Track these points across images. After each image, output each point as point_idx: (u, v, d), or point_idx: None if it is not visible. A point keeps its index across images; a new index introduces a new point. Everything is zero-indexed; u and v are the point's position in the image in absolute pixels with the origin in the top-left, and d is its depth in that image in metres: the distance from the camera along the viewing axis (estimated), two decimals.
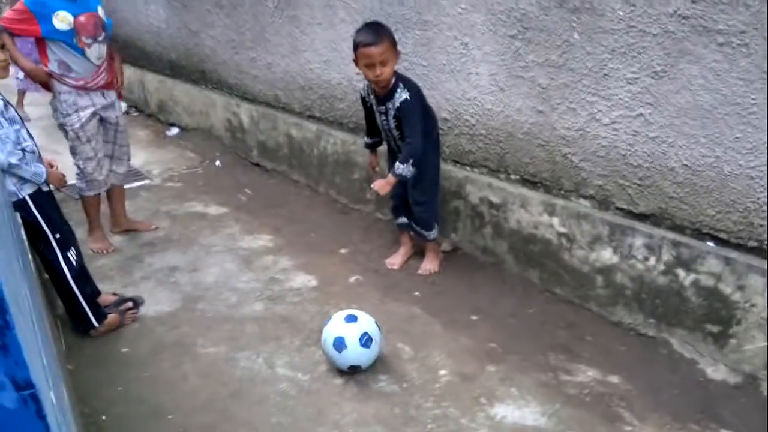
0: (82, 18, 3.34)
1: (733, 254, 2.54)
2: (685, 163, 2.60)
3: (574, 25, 2.77)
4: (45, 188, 2.79)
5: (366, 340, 2.61)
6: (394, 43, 2.98)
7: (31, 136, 2.79)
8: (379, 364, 2.73)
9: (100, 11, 3.48)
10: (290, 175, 4.82)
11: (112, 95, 3.67)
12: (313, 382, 2.67)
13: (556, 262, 3.15)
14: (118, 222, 4.02)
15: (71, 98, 3.48)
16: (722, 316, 2.59)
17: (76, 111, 3.50)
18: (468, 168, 3.53)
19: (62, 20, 3.29)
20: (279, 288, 3.40)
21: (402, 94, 3.04)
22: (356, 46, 2.97)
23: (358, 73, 3.35)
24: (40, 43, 3.39)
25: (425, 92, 3.19)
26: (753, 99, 2.34)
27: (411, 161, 3.06)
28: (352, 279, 3.46)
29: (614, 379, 2.65)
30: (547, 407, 2.49)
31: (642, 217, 2.83)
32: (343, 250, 3.78)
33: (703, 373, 2.65)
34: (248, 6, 4.66)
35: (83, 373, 2.73)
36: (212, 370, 2.76)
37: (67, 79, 3.45)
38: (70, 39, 3.35)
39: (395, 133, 3.18)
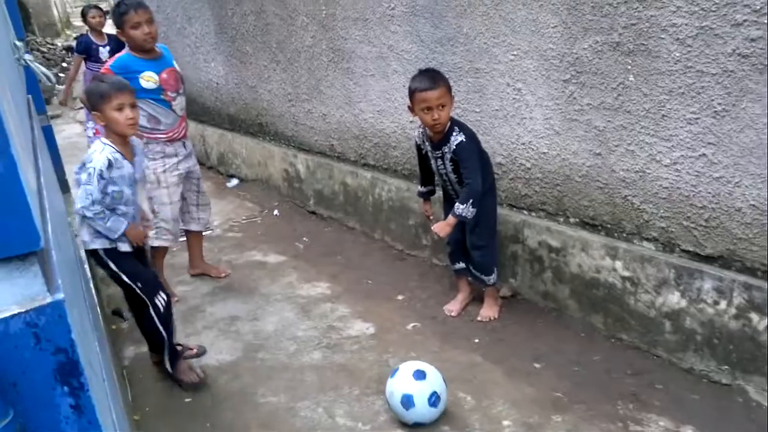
0: (164, 74, 3.60)
1: None
2: (752, 203, 2.52)
3: (629, 67, 2.75)
4: (124, 247, 2.87)
5: (434, 400, 2.56)
6: (449, 88, 3.05)
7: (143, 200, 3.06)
8: (441, 414, 2.69)
9: (176, 65, 3.74)
10: (346, 223, 4.87)
11: (189, 145, 3.91)
12: (373, 431, 2.64)
13: (621, 307, 3.06)
14: (195, 264, 4.21)
15: (159, 147, 3.69)
16: None
17: (162, 158, 3.71)
18: (525, 212, 3.50)
19: (148, 80, 3.53)
20: (337, 336, 3.40)
21: (458, 137, 3.08)
22: (413, 92, 3.04)
23: (411, 121, 3.40)
24: None
25: (479, 137, 3.20)
26: None
27: (471, 201, 3.06)
28: (410, 326, 3.44)
29: (688, 429, 2.53)
30: None
31: (710, 259, 2.74)
32: (400, 297, 3.77)
33: None
34: (303, 60, 4.81)
35: (149, 423, 2.78)
36: (273, 420, 2.77)
37: (157, 134, 3.66)
38: (158, 95, 3.58)
39: (452, 176, 3.20)
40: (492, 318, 3.41)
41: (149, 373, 3.16)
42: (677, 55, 2.57)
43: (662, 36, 2.60)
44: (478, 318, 3.42)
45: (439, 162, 3.21)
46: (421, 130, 3.24)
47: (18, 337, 0.78)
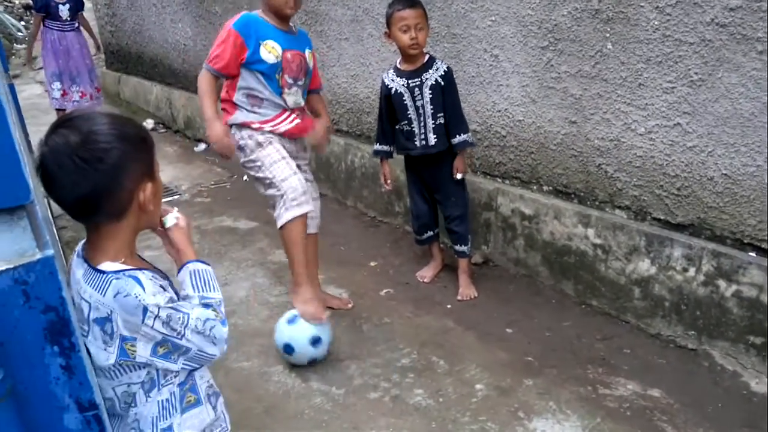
0: (289, 54, 2.86)
1: None
2: (724, 172, 2.56)
3: (608, 35, 2.75)
4: None
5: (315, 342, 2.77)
6: (426, 15, 3.04)
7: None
8: (414, 378, 2.71)
9: (308, 54, 2.98)
10: (318, 189, 4.82)
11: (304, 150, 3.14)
12: (347, 396, 2.65)
13: (592, 274, 3.11)
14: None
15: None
16: (765, 328, 2.53)
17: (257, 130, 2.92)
18: (499, 180, 3.51)
19: (270, 51, 2.81)
20: None
21: (443, 65, 3.09)
22: (390, 14, 3.01)
23: (390, 43, 3.11)
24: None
25: None
26: None
27: (466, 127, 3.14)
28: (383, 292, 3.45)
29: (655, 392, 2.60)
30: (587, 421, 2.45)
31: (680, 227, 2.79)
32: (373, 263, 3.77)
33: (746, 386, 2.59)
34: None
35: None
36: (246, 384, 2.76)
37: (252, 117, 2.92)
38: (273, 74, 2.85)
39: (428, 108, 3.09)
40: (473, 297, 3.33)
41: None
42: (656, 23, 2.58)
43: (641, 4, 2.60)
44: (458, 298, 3.32)
45: (416, 93, 3.08)
46: (390, 70, 3.18)
47: (6, 294, 0.74)
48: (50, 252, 0.75)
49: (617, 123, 2.86)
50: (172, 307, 1.27)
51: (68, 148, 1.12)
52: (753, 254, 2.57)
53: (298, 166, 2.95)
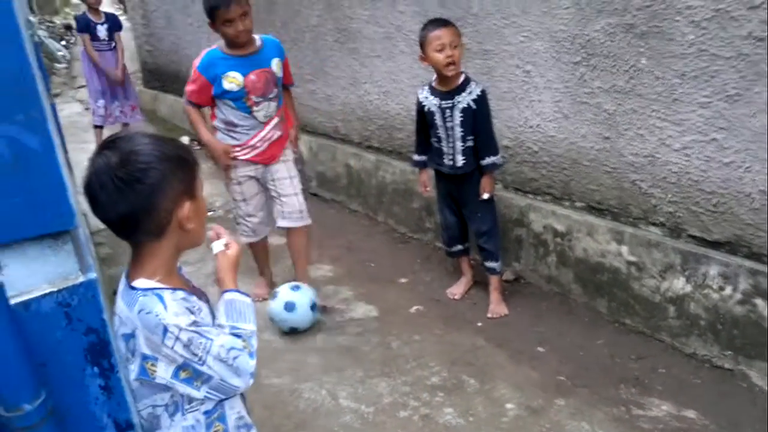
0: (252, 76, 3.14)
1: None
2: (762, 188, 2.51)
3: (642, 50, 2.73)
4: None
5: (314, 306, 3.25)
6: (460, 34, 3.05)
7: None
8: (444, 397, 2.70)
9: (275, 65, 3.23)
10: (349, 205, 4.86)
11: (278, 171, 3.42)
12: (377, 414, 2.65)
13: (625, 292, 3.06)
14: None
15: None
16: None
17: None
18: (530, 196, 3.49)
19: (231, 81, 3.11)
20: (340, 318, 3.40)
21: (478, 88, 3.07)
22: (424, 36, 3.02)
23: (425, 66, 3.16)
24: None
25: None
26: None
27: (496, 149, 3.14)
28: (413, 309, 3.44)
29: (690, 413, 2.54)
30: None
31: (716, 245, 2.73)
32: (403, 280, 3.77)
33: None
34: (308, 40, 4.77)
35: None
36: (277, 401, 2.77)
37: (230, 139, 3.30)
38: (240, 97, 3.16)
39: (458, 130, 3.09)
40: (504, 314, 3.31)
41: None
42: (691, 38, 2.55)
43: (677, 18, 2.57)
44: (488, 315, 3.30)
45: (447, 114, 3.10)
46: (426, 87, 3.20)
47: (50, 316, 0.76)
48: (93, 275, 0.77)
49: (652, 138, 2.82)
50: (194, 331, 1.24)
51: (109, 169, 1.16)
52: None
53: (274, 189, 3.42)
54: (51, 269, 0.77)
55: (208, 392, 1.31)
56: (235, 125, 3.24)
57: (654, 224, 2.95)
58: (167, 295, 1.24)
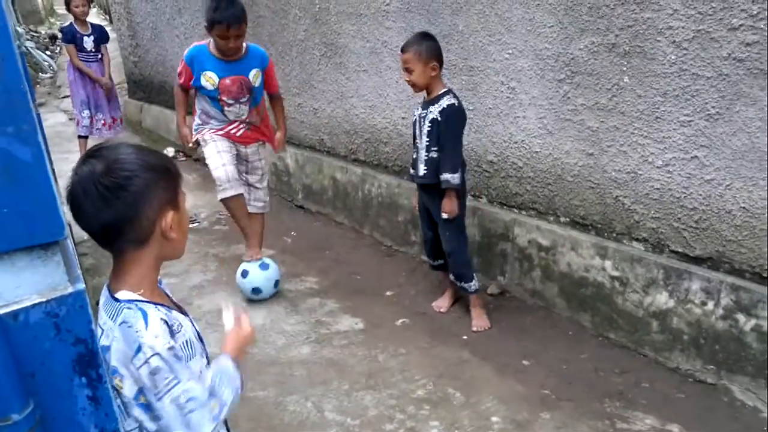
0: (227, 80, 3.49)
1: None
2: (743, 205, 2.56)
3: (625, 68, 2.78)
4: None
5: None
6: (421, 55, 3.06)
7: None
8: (430, 410, 2.70)
9: (252, 75, 3.56)
10: (335, 218, 4.87)
11: (254, 153, 3.81)
12: (362, 427, 2.64)
13: (609, 306, 3.09)
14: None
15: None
16: None
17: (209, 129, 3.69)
18: (515, 210, 3.52)
19: (208, 80, 3.49)
20: (326, 331, 3.40)
21: (451, 100, 3.09)
22: None
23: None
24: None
25: (470, 136, 3.22)
26: None
27: (452, 167, 3.06)
28: (399, 322, 3.45)
29: (674, 427, 2.56)
30: None
31: (699, 260, 2.77)
32: (388, 293, 3.78)
33: (766, 422, 2.55)
34: (295, 54, 4.79)
35: None
36: (262, 414, 2.76)
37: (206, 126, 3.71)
38: (214, 96, 3.53)
39: (425, 139, 3.15)
40: (486, 328, 3.32)
41: None
42: (673, 57, 2.60)
43: (658, 38, 2.63)
44: (473, 329, 3.33)
45: (422, 122, 3.17)
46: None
47: (38, 326, 0.77)
48: (81, 286, 0.78)
49: (634, 155, 2.87)
50: (166, 362, 1.18)
51: (93, 177, 1.15)
52: None
53: (246, 171, 3.81)
54: (40, 280, 0.77)
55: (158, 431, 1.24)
56: (210, 116, 3.64)
57: (637, 240, 2.98)
58: (151, 312, 1.21)
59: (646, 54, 2.68)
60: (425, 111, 3.15)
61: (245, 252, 3.84)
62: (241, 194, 3.66)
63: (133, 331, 1.17)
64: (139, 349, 1.16)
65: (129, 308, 1.20)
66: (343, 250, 4.41)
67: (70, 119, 8.20)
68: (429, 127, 3.12)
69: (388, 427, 2.63)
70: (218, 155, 3.59)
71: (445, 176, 3.08)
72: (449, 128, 3.09)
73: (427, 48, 3.07)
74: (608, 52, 2.82)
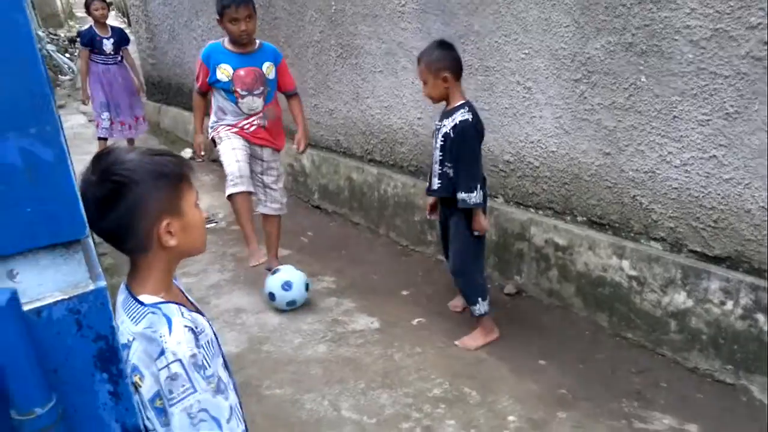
0: (242, 71, 3.59)
1: None
2: (762, 204, 2.53)
3: (642, 68, 2.76)
4: None
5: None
6: (431, 66, 2.96)
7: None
8: (446, 409, 2.70)
9: (266, 68, 3.64)
10: (351, 218, 4.88)
11: (270, 156, 3.83)
12: (379, 425, 2.65)
13: (627, 306, 3.08)
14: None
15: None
16: None
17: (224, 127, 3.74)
18: (532, 210, 3.51)
19: (223, 72, 3.59)
20: (342, 330, 3.41)
21: (465, 115, 2.95)
22: None
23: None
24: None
25: (487, 136, 3.17)
26: None
27: (472, 185, 2.92)
28: (415, 321, 3.46)
29: (692, 428, 2.55)
30: None
31: (717, 260, 2.75)
32: (404, 292, 3.78)
33: None
34: (311, 55, 4.82)
35: None
36: (278, 412, 2.78)
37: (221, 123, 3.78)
38: (228, 88, 3.61)
39: (437, 153, 3.05)
40: (470, 348, 3.17)
41: None
42: (690, 56, 2.58)
43: (676, 38, 2.61)
44: (455, 342, 3.21)
45: (436, 134, 3.07)
46: None
47: (61, 323, 0.78)
48: (102, 283, 0.80)
49: (652, 155, 2.85)
50: (186, 370, 1.17)
51: (90, 186, 1.16)
52: None
53: (261, 172, 3.84)
54: (62, 277, 0.79)
55: None
56: (225, 112, 3.70)
57: (655, 239, 2.97)
58: (176, 319, 1.21)
59: (664, 53, 2.67)
60: (440, 123, 3.05)
61: (250, 256, 3.75)
62: (250, 193, 3.68)
63: (158, 336, 1.18)
64: (162, 353, 1.17)
65: (153, 313, 1.21)
66: (360, 250, 4.42)
67: (90, 121, 8.29)
68: (442, 141, 3.01)
69: (404, 425, 2.63)
70: (232, 152, 3.64)
71: (461, 195, 2.96)
72: (462, 145, 2.96)
73: (437, 58, 2.97)
74: (625, 52, 2.81)
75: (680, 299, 2.85)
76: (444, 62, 2.96)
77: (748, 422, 2.56)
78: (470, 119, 2.95)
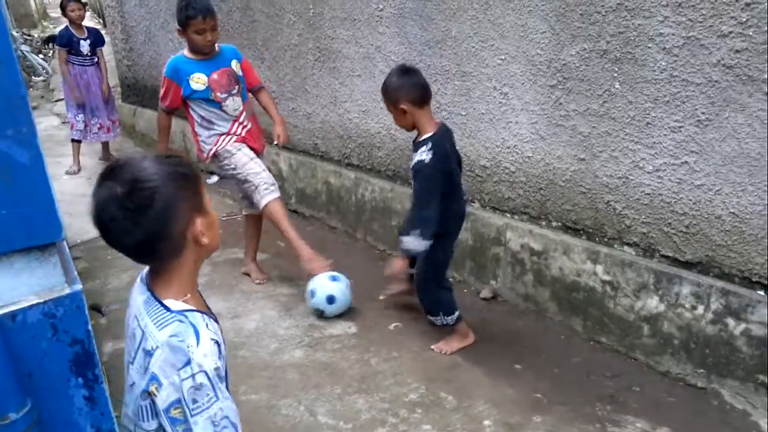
0: (215, 75, 3.58)
1: None
2: (732, 210, 2.58)
3: (616, 74, 2.80)
4: None
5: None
6: (389, 98, 2.85)
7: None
8: (422, 414, 2.71)
9: (234, 65, 3.67)
10: (328, 222, 4.87)
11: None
12: (355, 431, 2.65)
13: (600, 310, 3.12)
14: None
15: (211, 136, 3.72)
16: None
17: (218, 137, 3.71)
18: (508, 215, 3.54)
19: (197, 81, 3.56)
20: (319, 335, 3.40)
21: (423, 154, 2.77)
22: None
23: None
24: (185, 105, 3.68)
25: (463, 141, 3.20)
26: None
27: (420, 231, 2.77)
28: (392, 326, 3.46)
29: (664, 431, 2.59)
30: None
31: (689, 265, 2.80)
32: (381, 297, 3.78)
33: (755, 426, 2.58)
34: (289, 59, 4.80)
35: None
36: (254, 417, 2.76)
37: (213, 137, 3.71)
38: (207, 96, 3.58)
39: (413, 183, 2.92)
40: (444, 352, 3.15)
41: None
42: (663, 64, 2.63)
43: (649, 45, 2.65)
44: (431, 347, 3.20)
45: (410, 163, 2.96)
46: None
47: (35, 327, 0.77)
48: (78, 287, 0.79)
49: (625, 161, 2.89)
50: (211, 380, 1.20)
51: (116, 200, 1.13)
52: (761, 293, 2.58)
53: None
54: (37, 281, 0.78)
55: None
56: (213, 122, 3.66)
57: (628, 244, 3.01)
58: (203, 331, 1.22)
59: (637, 60, 2.71)
60: (412, 154, 2.89)
61: (308, 262, 3.66)
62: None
63: (185, 346, 1.19)
64: (188, 362, 1.18)
65: (181, 321, 1.21)
66: (337, 254, 4.40)
67: (63, 123, 8.18)
68: (413, 172, 2.88)
69: (381, 430, 2.64)
70: (253, 162, 3.66)
71: (404, 237, 2.85)
72: (419, 182, 2.82)
73: (393, 87, 2.81)
74: (600, 59, 2.85)
75: (653, 304, 2.89)
76: (400, 92, 2.79)
77: (720, 426, 2.60)
78: (427, 160, 2.75)
